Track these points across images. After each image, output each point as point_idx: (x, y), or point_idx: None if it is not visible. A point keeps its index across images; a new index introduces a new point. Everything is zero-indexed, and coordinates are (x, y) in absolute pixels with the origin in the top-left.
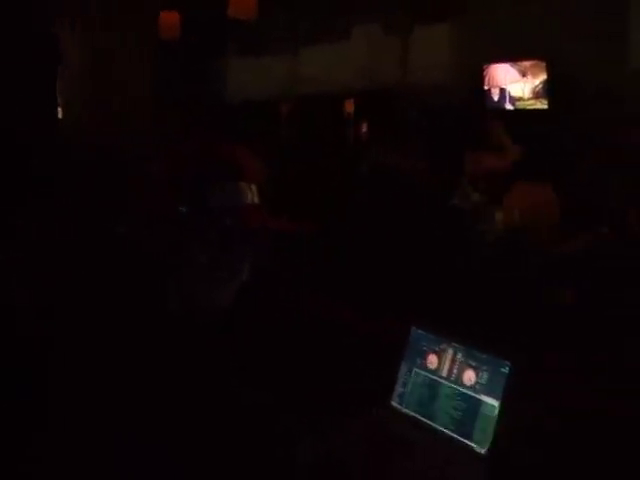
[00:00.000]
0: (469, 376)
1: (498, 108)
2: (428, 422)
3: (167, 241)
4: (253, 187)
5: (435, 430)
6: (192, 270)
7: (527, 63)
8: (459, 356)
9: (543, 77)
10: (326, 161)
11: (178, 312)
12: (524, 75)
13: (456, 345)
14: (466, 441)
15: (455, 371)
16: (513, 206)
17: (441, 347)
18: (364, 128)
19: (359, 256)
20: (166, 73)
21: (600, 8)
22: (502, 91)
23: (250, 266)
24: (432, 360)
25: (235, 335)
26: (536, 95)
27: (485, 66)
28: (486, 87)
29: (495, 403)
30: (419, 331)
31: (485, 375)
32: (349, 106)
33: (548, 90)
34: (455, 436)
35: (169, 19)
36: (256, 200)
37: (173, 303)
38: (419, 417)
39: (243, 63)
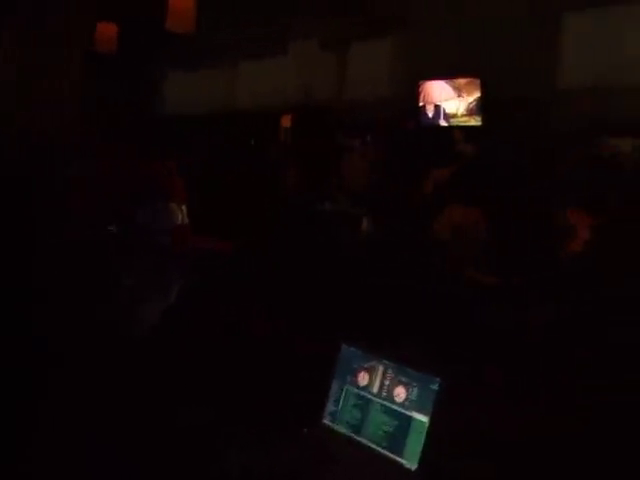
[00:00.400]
0: (399, 393)
1: (433, 124)
2: (360, 439)
3: (96, 260)
4: (183, 207)
5: (367, 447)
6: (122, 290)
7: (462, 80)
8: (389, 373)
9: (477, 95)
10: (258, 177)
11: (109, 332)
12: (459, 92)
13: (386, 362)
14: (397, 458)
15: (386, 388)
16: (445, 225)
17: (371, 364)
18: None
19: (284, 273)
20: (99, 88)
21: (532, 29)
22: (437, 108)
23: (179, 286)
24: (363, 377)
25: (164, 354)
26: (470, 112)
27: (420, 83)
28: (421, 104)
29: (425, 419)
30: (349, 348)
31: (415, 391)
32: (286, 121)
33: (482, 107)
34: (386, 453)
35: (106, 31)
36: (186, 220)
37: (103, 323)
38: (351, 435)
39: (180, 78)
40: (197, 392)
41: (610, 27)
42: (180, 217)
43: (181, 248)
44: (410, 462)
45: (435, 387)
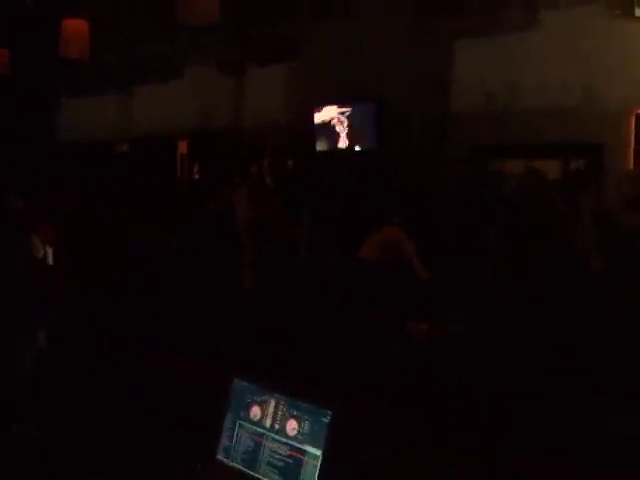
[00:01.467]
0: (292, 426)
1: (329, 148)
2: (254, 474)
3: None
4: (48, 248)
5: None
6: None
7: (356, 104)
8: (281, 406)
9: (372, 117)
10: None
11: None
12: (353, 115)
13: (278, 395)
14: None
15: (278, 422)
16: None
17: (263, 398)
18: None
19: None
20: None
21: (425, 54)
22: (332, 131)
23: (49, 333)
24: (255, 411)
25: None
26: (364, 135)
27: (316, 107)
28: (317, 127)
29: (318, 452)
30: (241, 382)
31: (307, 424)
32: (182, 146)
33: (376, 130)
34: None
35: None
36: (51, 262)
37: None
38: (245, 470)
39: (73, 104)
40: (87, 430)
41: (501, 54)
42: (42, 252)
43: (50, 290)
44: None
45: (327, 420)
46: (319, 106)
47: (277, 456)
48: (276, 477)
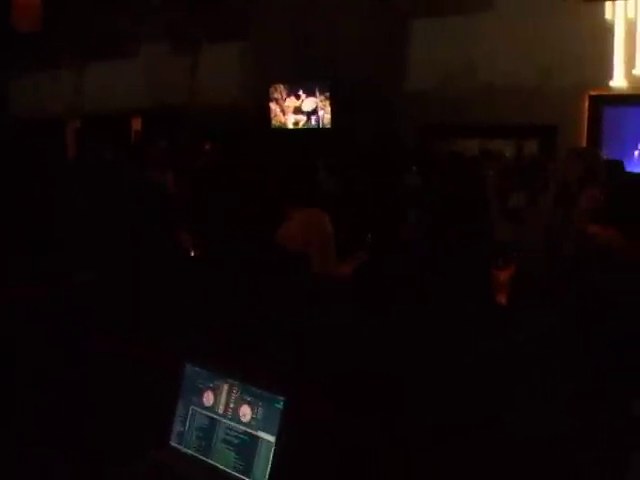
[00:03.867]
0: (245, 412)
1: (282, 127)
2: (207, 460)
3: None
4: None
5: (215, 468)
6: None
7: (311, 84)
8: (234, 392)
9: (327, 97)
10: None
11: None
12: (308, 95)
13: (231, 381)
14: (246, 478)
15: (231, 407)
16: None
17: (216, 383)
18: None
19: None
20: None
21: (379, 35)
22: (286, 111)
23: None
24: (208, 397)
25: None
26: (319, 115)
27: (271, 85)
28: (272, 106)
29: (272, 439)
30: (194, 368)
31: (261, 410)
32: (136, 123)
33: (331, 110)
34: (235, 474)
35: None
36: None
37: None
38: (198, 456)
39: (26, 78)
40: (37, 414)
41: (455, 35)
42: None
43: None
44: None
45: (280, 406)
46: (273, 85)
47: (230, 442)
48: (230, 463)
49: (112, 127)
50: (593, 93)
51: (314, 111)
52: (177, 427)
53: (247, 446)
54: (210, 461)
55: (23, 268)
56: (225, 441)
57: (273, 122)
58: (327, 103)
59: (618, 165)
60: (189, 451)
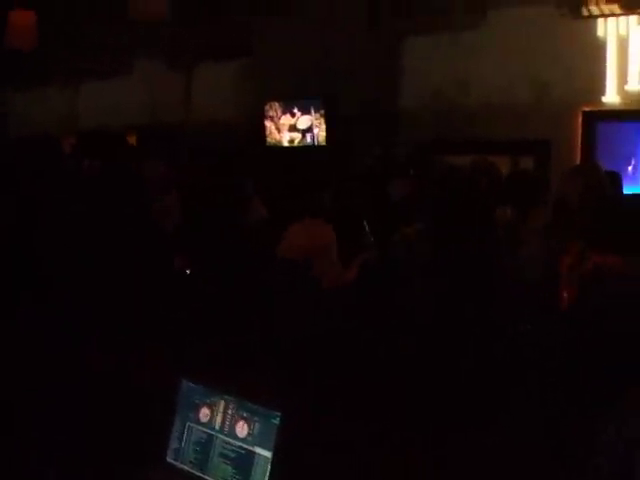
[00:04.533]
0: (241, 428)
1: (277, 145)
2: (204, 477)
3: None
4: None
5: None
6: None
7: (306, 102)
8: (231, 408)
9: (322, 115)
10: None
11: None
12: (303, 113)
13: (227, 397)
14: None
15: (228, 423)
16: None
17: (212, 399)
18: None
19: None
20: None
21: (373, 53)
22: (281, 127)
23: None
24: (205, 413)
25: None
26: (313, 132)
27: (266, 103)
28: (267, 124)
29: (268, 454)
30: (190, 384)
31: (257, 426)
32: (130, 140)
33: (326, 127)
34: None
35: None
36: None
37: None
38: (195, 472)
39: (21, 96)
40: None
41: (449, 53)
42: None
43: None
44: None
45: (276, 421)
46: (269, 103)
47: (227, 458)
48: (226, 479)
49: (107, 144)
50: (586, 109)
51: (309, 129)
52: (174, 443)
53: (244, 462)
54: (207, 477)
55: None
56: (222, 457)
57: (268, 140)
58: (322, 121)
59: (615, 176)
60: (185, 467)
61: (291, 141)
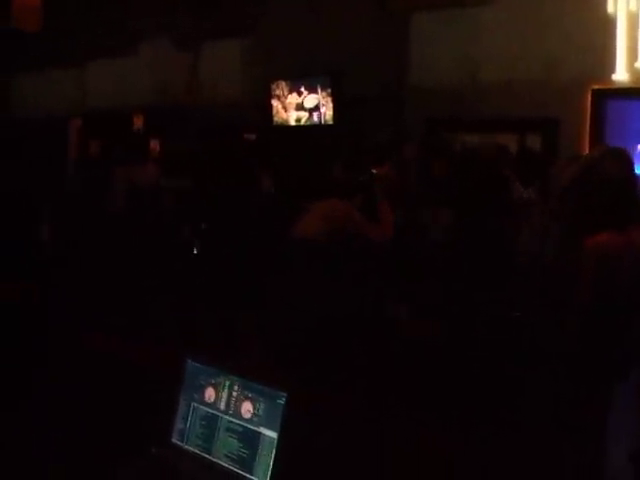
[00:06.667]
0: (247, 408)
1: (284, 124)
2: (210, 458)
3: None
4: None
5: (217, 465)
6: None
7: (313, 80)
8: (236, 388)
9: (329, 93)
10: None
11: None
12: (310, 92)
13: (232, 377)
14: (248, 475)
15: (233, 404)
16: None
17: (218, 380)
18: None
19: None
20: None
21: (381, 30)
22: (288, 106)
23: None
24: (210, 393)
25: None
26: (322, 111)
27: (273, 82)
28: (274, 103)
29: (274, 435)
30: (194, 364)
31: (262, 407)
32: (137, 121)
33: (334, 106)
34: (237, 471)
35: None
36: None
37: None
38: (200, 453)
39: (27, 77)
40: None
41: (457, 28)
42: None
43: None
44: (261, 479)
45: (282, 401)
46: (275, 81)
47: (232, 439)
48: (232, 460)
49: (114, 125)
50: (596, 87)
51: (316, 107)
52: (178, 424)
53: (249, 442)
54: (212, 458)
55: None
56: (227, 438)
57: (275, 119)
58: (329, 99)
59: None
60: (190, 448)
61: (298, 120)
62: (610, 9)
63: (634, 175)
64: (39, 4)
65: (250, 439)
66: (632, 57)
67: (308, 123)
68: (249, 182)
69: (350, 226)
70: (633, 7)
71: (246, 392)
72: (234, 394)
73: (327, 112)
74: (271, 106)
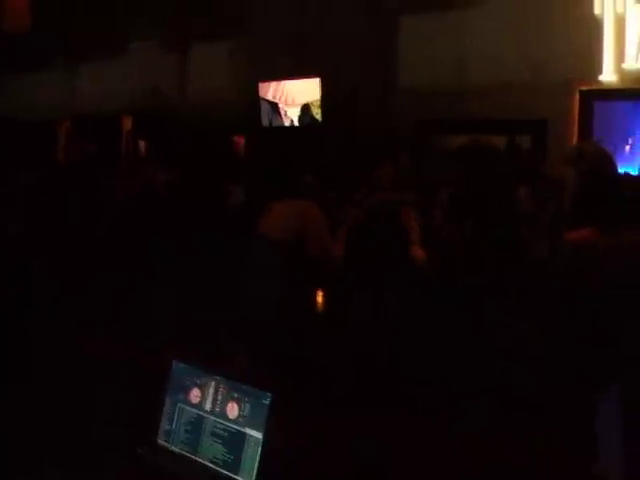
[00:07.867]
0: (232, 409)
1: (272, 124)
2: (195, 458)
3: None
4: None
5: (203, 466)
6: None
7: (302, 80)
8: (221, 389)
9: (317, 93)
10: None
11: None
12: (299, 92)
13: (218, 378)
14: (233, 475)
15: (219, 404)
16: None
17: (203, 380)
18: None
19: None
20: None
21: (370, 31)
22: (276, 107)
23: None
24: (195, 394)
25: None
26: (310, 111)
27: (261, 83)
28: (262, 104)
29: (259, 435)
30: (180, 364)
31: (248, 407)
32: (127, 124)
33: (321, 106)
34: (222, 471)
35: None
36: None
37: None
38: (186, 454)
39: (15, 80)
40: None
41: (446, 30)
42: None
43: None
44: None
45: (267, 402)
46: (264, 81)
47: (218, 439)
48: (218, 461)
49: (103, 127)
50: (583, 88)
51: (306, 108)
52: (164, 425)
53: (235, 443)
54: (197, 458)
55: None
56: (213, 438)
57: (264, 120)
58: (318, 100)
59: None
60: (176, 449)
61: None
62: (597, 11)
63: (619, 173)
64: (27, 6)
65: (235, 439)
66: (619, 58)
67: (297, 124)
68: (214, 197)
69: (311, 227)
70: (620, 9)
71: (232, 393)
72: (220, 395)
73: (316, 113)
74: (260, 107)
